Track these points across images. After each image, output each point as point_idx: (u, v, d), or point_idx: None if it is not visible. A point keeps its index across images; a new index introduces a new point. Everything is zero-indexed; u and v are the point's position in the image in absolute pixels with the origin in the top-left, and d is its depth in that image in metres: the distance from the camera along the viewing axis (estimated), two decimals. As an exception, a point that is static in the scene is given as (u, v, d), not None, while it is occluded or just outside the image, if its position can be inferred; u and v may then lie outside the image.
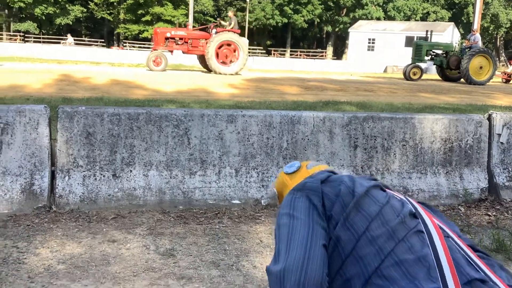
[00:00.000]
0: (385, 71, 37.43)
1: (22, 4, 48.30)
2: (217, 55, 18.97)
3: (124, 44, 50.65)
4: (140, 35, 52.80)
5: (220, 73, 18.77)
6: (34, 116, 3.84)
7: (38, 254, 3.04)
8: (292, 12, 56.02)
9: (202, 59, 19.86)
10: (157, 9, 52.04)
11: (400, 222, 1.35)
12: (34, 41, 43.97)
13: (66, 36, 43.61)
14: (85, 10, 53.40)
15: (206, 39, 19.29)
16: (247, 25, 53.90)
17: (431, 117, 4.71)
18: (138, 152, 4.06)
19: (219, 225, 3.71)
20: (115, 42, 56.91)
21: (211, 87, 13.73)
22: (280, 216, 1.44)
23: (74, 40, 42.70)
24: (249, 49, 45.92)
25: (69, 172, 3.90)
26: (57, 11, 50.38)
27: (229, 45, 19.10)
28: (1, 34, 47.83)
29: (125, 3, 53.16)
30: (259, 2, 57.67)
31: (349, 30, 50.63)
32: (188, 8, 38.43)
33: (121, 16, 54.10)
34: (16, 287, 2.63)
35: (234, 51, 19.24)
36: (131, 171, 4.05)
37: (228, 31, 19.36)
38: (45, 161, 3.87)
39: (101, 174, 3.97)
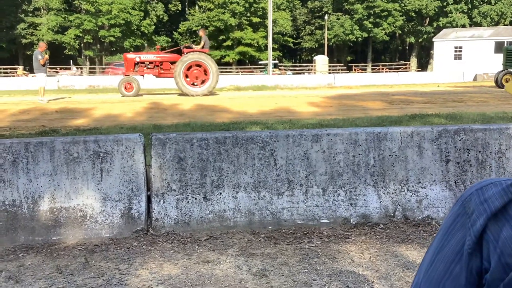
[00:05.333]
0: (474, 79, 35.74)
1: (112, 39, 51.62)
2: (187, 76, 18.28)
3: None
4: (222, 60, 54.44)
5: (190, 95, 18.05)
6: (130, 144, 4.09)
7: (138, 275, 3.21)
8: (372, 26, 55.24)
9: None
10: (237, 34, 53.47)
11: None
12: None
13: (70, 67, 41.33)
14: (170, 40, 56.03)
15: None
16: (326, 43, 53.83)
17: (529, 126, 4.44)
18: (226, 175, 4.17)
19: (309, 245, 3.71)
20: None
21: (293, 106, 13.83)
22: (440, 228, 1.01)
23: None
24: (329, 66, 45.74)
25: (163, 196, 4.09)
26: (145, 43, 53.28)
27: (199, 66, 18.30)
28: (94, 68, 51.27)
29: (206, 30, 55.13)
30: (338, 19, 57.48)
31: (434, 39, 48.93)
32: (267, 31, 39.13)
33: (204, 42, 56.14)
34: (120, 306, 2.78)
35: (205, 72, 18.42)
36: (220, 193, 4.17)
37: (196, 51, 18.57)
38: (141, 186, 4.09)
39: (193, 197, 4.12)
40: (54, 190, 3.96)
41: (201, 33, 19.81)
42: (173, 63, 18.93)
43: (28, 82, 28.27)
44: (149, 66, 19.25)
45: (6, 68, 45.31)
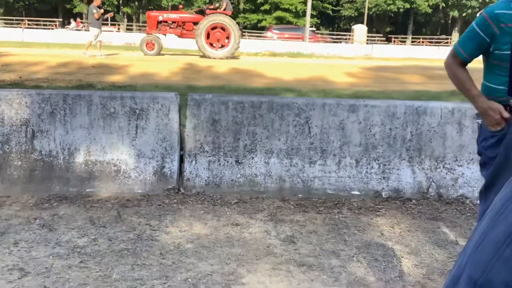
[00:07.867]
0: (518, 58, 34.44)
1: (151, -3, 51.48)
2: (208, 37, 18.03)
3: (243, 34, 51.97)
4: (258, 24, 53.82)
5: (209, 57, 17.75)
6: (166, 103, 4.09)
7: (168, 232, 3.25)
8: (415, -3, 53.45)
9: None
10: (275, -2, 52.53)
11: None
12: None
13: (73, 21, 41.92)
14: (207, 0, 55.56)
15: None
16: (366, 12, 52.48)
17: None
18: (260, 140, 4.15)
19: (339, 216, 3.69)
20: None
21: (328, 76, 13.63)
22: None
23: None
24: (367, 36, 44.67)
25: (196, 156, 4.11)
26: (182, 2, 53.00)
27: (222, 28, 18.06)
28: (132, 25, 51.42)
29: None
30: (380, -12, 55.77)
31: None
32: (307, -4, 38.32)
33: (241, 6, 55.48)
34: (149, 262, 2.83)
35: (227, 35, 18.21)
36: (253, 158, 4.16)
37: (220, 13, 18.27)
38: (174, 145, 4.11)
39: (225, 160, 4.13)
40: (89, 143, 4.02)
41: None
42: (195, 23, 18.76)
43: (65, 35, 28.58)
44: (171, 26, 19.14)
45: (46, 21, 45.83)
